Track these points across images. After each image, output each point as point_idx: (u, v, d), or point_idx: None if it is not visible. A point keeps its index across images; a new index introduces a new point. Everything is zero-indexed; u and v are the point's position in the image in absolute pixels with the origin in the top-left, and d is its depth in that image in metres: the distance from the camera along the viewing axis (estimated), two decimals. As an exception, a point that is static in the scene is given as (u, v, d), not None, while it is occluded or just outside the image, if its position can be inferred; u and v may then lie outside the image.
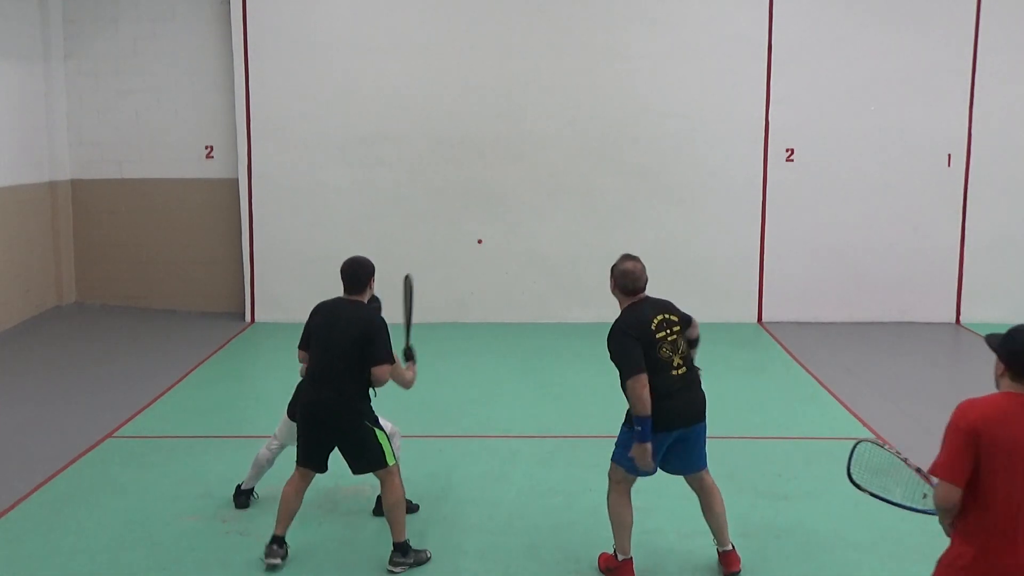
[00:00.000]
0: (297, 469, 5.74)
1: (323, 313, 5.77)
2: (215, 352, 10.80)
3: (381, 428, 5.68)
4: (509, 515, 6.44)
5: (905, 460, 4.36)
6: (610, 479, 5.54)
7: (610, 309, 13.15)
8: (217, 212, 12.59)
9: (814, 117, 12.05)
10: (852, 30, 11.96)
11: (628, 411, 5.36)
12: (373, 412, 5.69)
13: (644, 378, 5.17)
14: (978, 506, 3.69)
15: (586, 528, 6.24)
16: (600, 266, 12.17)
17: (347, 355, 5.52)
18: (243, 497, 6.51)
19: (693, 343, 5.64)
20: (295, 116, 12.09)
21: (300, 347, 5.85)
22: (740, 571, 5.59)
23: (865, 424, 8.36)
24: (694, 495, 5.70)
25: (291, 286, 12.15)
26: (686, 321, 5.54)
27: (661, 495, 6.03)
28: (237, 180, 12.32)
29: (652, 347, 5.30)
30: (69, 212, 12.74)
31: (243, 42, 12.03)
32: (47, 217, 12.46)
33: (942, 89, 12.02)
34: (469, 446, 7.79)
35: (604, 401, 8.83)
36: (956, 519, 3.78)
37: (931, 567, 5.77)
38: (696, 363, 5.64)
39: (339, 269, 5.90)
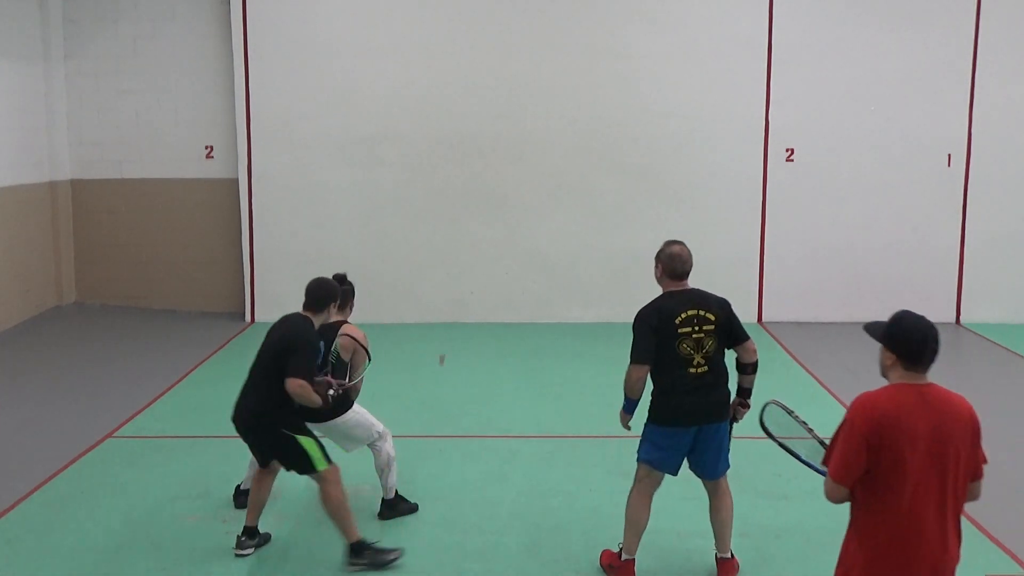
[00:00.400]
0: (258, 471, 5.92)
1: (273, 325, 5.85)
2: (215, 352, 10.80)
3: (307, 434, 5.59)
4: (509, 515, 6.44)
5: (811, 430, 4.41)
6: (635, 476, 5.51)
7: (610, 309, 13.22)
8: (217, 212, 12.58)
9: (814, 117, 12.05)
10: (852, 30, 11.96)
11: (649, 407, 5.39)
12: (295, 418, 5.61)
13: (643, 369, 5.27)
14: (878, 502, 3.62)
15: (586, 528, 6.24)
16: (600, 266, 12.32)
17: (269, 363, 5.52)
18: (243, 497, 6.50)
19: (746, 369, 5.46)
20: (295, 116, 12.08)
21: None
22: None
23: (865, 424, 8.35)
24: (695, 496, 5.70)
25: (291, 286, 12.03)
26: (730, 333, 5.37)
27: (662, 495, 6.01)
28: (237, 180, 12.32)
29: (671, 340, 5.24)
30: (69, 212, 12.73)
31: (243, 42, 12.03)
32: (47, 217, 12.46)
33: (942, 89, 12.02)
34: (469, 446, 7.79)
35: (604, 401, 8.83)
36: (852, 512, 3.72)
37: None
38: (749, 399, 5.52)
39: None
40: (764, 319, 12.36)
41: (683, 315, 5.26)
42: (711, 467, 5.47)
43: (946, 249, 12.28)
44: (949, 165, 12.15)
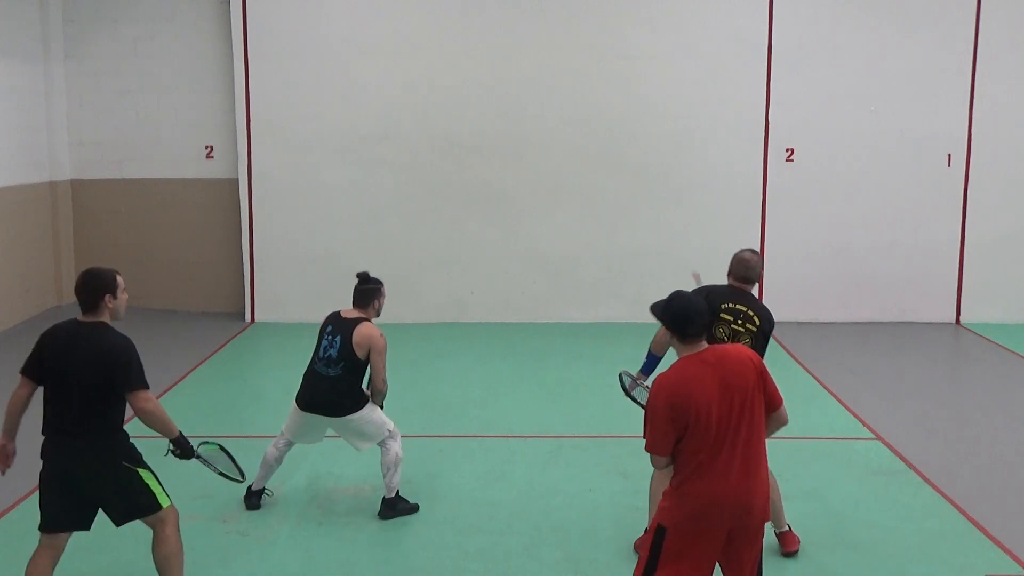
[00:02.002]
0: (42, 539, 4.93)
1: (55, 338, 4.86)
2: (215, 352, 10.80)
3: (146, 466, 4.85)
4: (509, 515, 6.44)
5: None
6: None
7: (610, 309, 13.20)
8: (217, 212, 12.58)
9: (814, 117, 12.05)
10: (852, 30, 11.96)
11: None
12: (132, 446, 4.84)
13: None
14: (689, 458, 4.14)
15: (586, 528, 6.23)
16: (600, 266, 12.32)
17: (89, 393, 4.68)
18: (254, 498, 6.51)
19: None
20: (295, 116, 12.08)
21: (23, 372, 4.96)
22: (797, 551, 5.83)
23: (865, 424, 8.36)
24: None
25: (291, 286, 12.15)
26: (761, 345, 5.58)
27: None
28: (237, 180, 12.32)
29: (711, 321, 5.48)
30: (69, 212, 12.73)
31: (243, 42, 12.03)
32: (47, 217, 12.46)
33: (942, 89, 12.03)
34: (469, 446, 7.79)
35: (604, 401, 8.84)
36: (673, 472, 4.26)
37: (931, 567, 5.80)
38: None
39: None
40: (764, 319, 12.36)
41: (730, 304, 5.64)
42: None
43: (946, 249, 12.28)
44: (949, 165, 12.16)
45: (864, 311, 12.36)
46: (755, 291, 5.89)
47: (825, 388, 9.44)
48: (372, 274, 6.53)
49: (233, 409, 8.92)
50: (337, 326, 6.29)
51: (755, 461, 4.18)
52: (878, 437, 8.03)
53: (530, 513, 6.47)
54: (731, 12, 11.96)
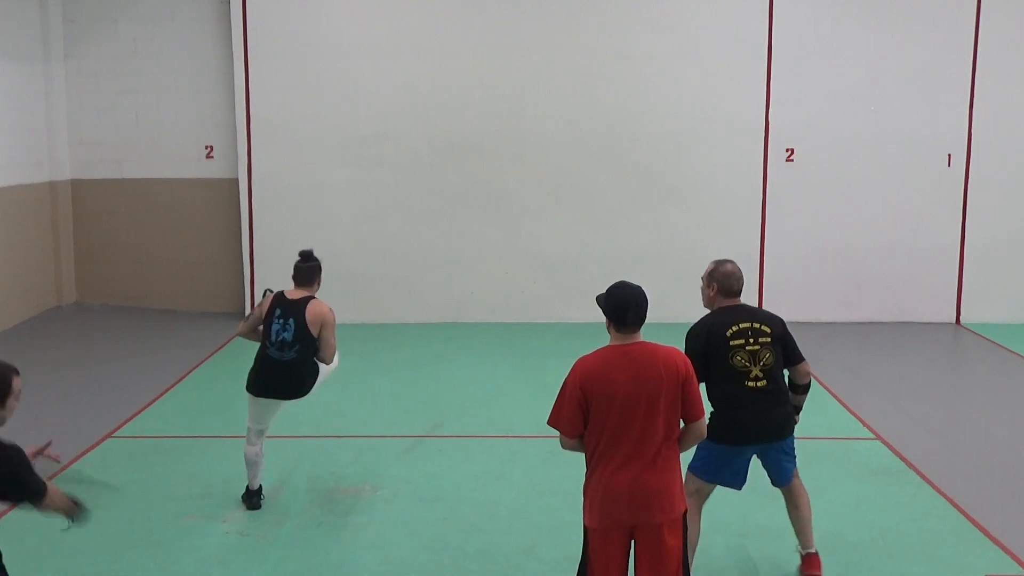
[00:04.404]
0: None
1: None
2: (215, 352, 10.79)
3: None
4: (509, 515, 6.44)
5: None
6: (685, 489, 4.97)
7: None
8: (217, 212, 12.58)
9: (814, 117, 12.04)
10: (852, 30, 11.96)
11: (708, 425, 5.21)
12: None
13: None
14: (592, 444, 4.25)
15: (586, 528, 6.23)
16: (600, 266, 12.30)
17: None
18: (254, 498, 6.50)
19: (797, 389, 5.44)
20: (295, 116, 12.08)
21: None
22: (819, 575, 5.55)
23: (865, 424, 8.36)
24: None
25: (291, 286, 12.11)
26: (785, 349, 5.32)
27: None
28: (237, 180, 12.32)
29: (724, 353, 5.17)
30: (69, 212, 12.73)
31: (243, 42, 12.02)
32: (47, 217, 12.46)
33: (942, 89, 12.02)
34: (469, 446, 7.79)
35: (604, 401, 8.84)
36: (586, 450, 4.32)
37: (931, 567, 5.81)
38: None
39: None
40: (764, 319, 12.35)
41: (735, 327, 5.22)
42: (781, 476, 5.47)
43: (946, 249, 12.27)
44: (949, 165, 12.15)
45: (864, 311, 12.35)
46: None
47: (825, 388, 9.44)
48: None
49: (233, 409, 8.89)
50: (287, 308, 6.33)
51: (660, 460, 4.20)
52: (878, 437, 8.02)
53: (530, 513, 6.47)
54: (731, 12, 11.95)
